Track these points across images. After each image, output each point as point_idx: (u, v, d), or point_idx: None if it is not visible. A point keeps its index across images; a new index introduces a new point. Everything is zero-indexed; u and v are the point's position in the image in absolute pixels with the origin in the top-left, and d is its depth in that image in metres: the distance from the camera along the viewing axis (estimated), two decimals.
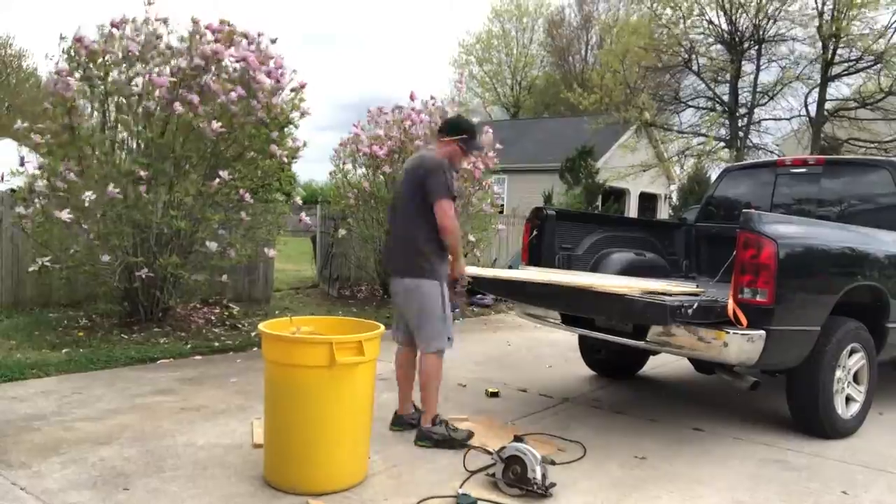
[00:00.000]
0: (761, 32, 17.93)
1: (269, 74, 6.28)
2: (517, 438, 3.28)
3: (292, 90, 6.69)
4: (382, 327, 3.26)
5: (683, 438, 4.11)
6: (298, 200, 7.55)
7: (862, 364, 4.32)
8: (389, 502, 3.00)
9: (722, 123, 19.50)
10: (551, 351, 6.64)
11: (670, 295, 3.73)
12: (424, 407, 3.81)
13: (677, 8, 18.23)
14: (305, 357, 3.01)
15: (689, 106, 20.23)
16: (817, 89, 17.45)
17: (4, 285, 7.01)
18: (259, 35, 6.41)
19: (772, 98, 18.91)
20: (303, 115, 6.85)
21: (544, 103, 41.80)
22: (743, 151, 18.41)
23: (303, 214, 7.07)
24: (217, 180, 5.98)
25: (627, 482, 3.36)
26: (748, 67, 18.74)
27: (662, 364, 6.07)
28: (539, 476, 3.06)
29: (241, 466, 3.32)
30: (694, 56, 18.90)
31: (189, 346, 6.00)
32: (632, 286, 3.81)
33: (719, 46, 18.90)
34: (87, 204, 5.57)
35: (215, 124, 5.82)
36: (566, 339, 6.41)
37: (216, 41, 6.14)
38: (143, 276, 5.95)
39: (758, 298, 3.66)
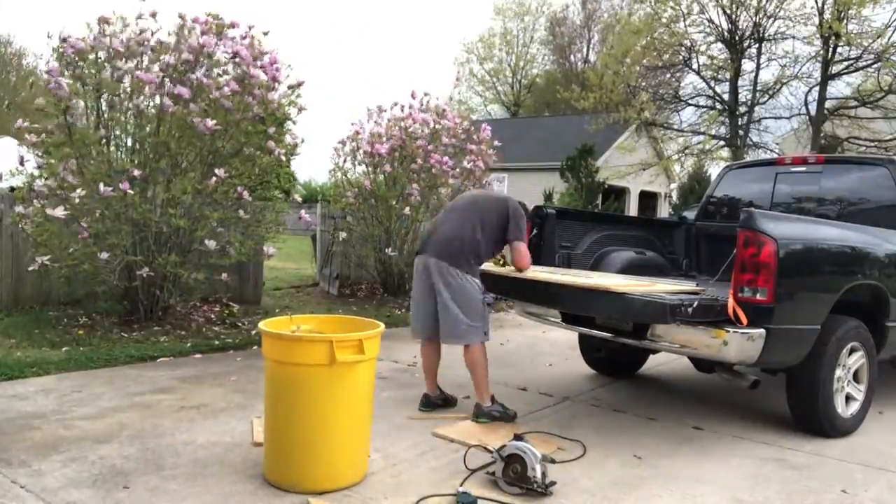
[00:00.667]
0: (761, 31, 17.93)
1: (264, 70, 6.25)
2: (517, 437, 3.28)
3: (289, 87, 6.67)
4: (382, 326, 3.26)
5: (683, 437, 4.11)
6: (297, 198, 7.54)
7: (862, 363, 4.32)
8: (389, 501, 3.00)
9: (722, 122, 19.51)
10: (551, 349, 6.65)
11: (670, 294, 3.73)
12: (479, 390, 4.24)
13: (677, 7, 18.22)
14: (306, 355, 3.01)
15: (689, 104, 20.23)
16: (817, 88, 17.44)
17: (4, 283, 7.00)
18: (250, 28, 6.38)
19: (772, 96, 18.92)
20: (300, 111, 6.84)
21: (545, 102, 41.80)
22: (743, 150, 18.42)
23: (302, 212, 7.06)
24: (214, 179, 5.96)
25: (627, 481, 3.36)
26: (748, 66, 18.76)
27: (662, 363, 6.07)
28: (539, 475, 3.06)
29: (241, 465, 3.32)
30: (694, 54, 18.91)
31: (189, 344, 6.00)
32: (630, 285, 3.81)
33: (719, 45, 18.90)
34: (76, 201, 5.56)
35: (210, 122, 5.80)
36: (566, 338, 6.42)
37: (203, 34, 6.09)
38: (144, 274, 5.95)
39: (758, 297, 3.66)
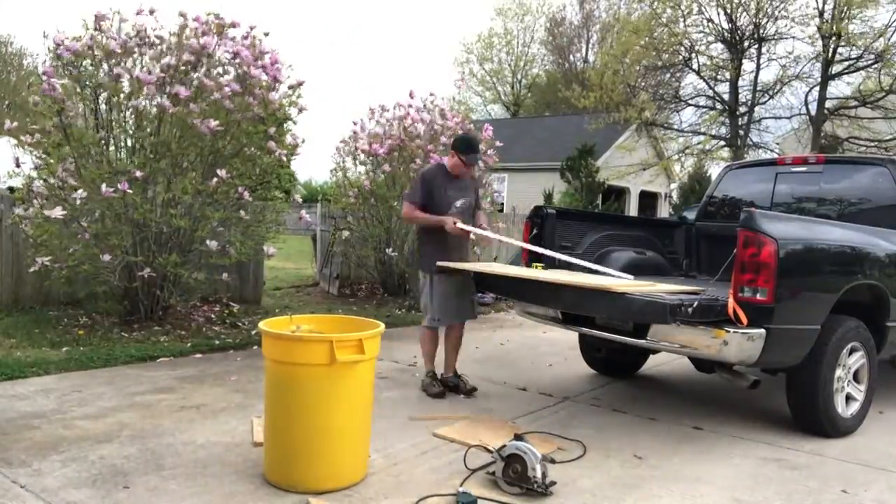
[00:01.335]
0: (761, 31, 17.93)
1: (264, 70, 6.25)
2: (517, 437, 3.28)
3: (290, 87, 6.66)
4: (382, 326, 3.26)
5: (683, 437, 4.11)
6: (298, 198, 7.53)
7: (862, 363, 4.32)
8: (390, 500, 3.00)
9: (722, 122, 19.50)
10: (551, 350, 6.64)
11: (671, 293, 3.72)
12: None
13: (677, 7, 18.22)
14: (306, 355, 3.01)
15: (690, 105, 20.23)
16: (817, 88, 17.45)
17: (4, 284, 7.00)
18: (251, 28, 6.37)
19: (772, 96, 18.92)
20: (301, 111, 6.84)
21: (545, 102, 41.81)
22: (743, 150, 18.41)
23: (303, 212, 7.05)
24: (215, 179, 5.96)
25: (627, 481, 3.36)
26: (748, 66, 18.75)
27: (662, 363, 6.07)
28: (539, 475, 3.07)
29: (241, 465, 3.32)
30: (694, 55, 18.90)
31: (189, 344, 6.00)
32: (630, 285, 3.81)
33: (719, 45, 18.90)
34: (77, 203, 5.55)
35: (212, 122, 5.80)
36: (566, 338, 6.41)
37: (204, 34, 6.08)
38: (145, 275, 5.95)
39: (758, 297, 3.66)
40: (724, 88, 19.35)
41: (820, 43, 16.94)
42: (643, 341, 4.07)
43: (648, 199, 26.84)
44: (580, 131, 22.45)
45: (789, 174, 5.53)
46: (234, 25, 6.28)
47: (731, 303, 3.66)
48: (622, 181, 21.38)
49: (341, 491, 3.05)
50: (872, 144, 16.92)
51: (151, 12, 6.05)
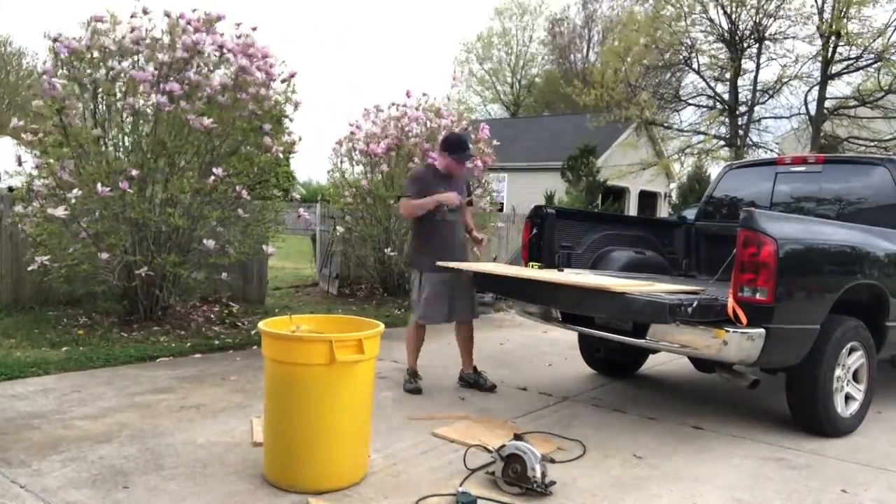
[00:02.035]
0: (761, 30, 17.93)
1: (253, 62, 6.21)
2: (517, 437, 3.28)
3: (283, 81, 6.63)
4: (382, 325, 3.25)
5: (683, 437, 4.11)
6: (297, 196, 7.52)
7: (861, 362, 4.32)
8: (389, 501, 3.00)
9: (722, 122, 19.52)
10: (551, 349, 6.64)
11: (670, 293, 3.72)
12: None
13: (678, 6, 18.23)
14: (305, 355, 3.01)
15: (690, 104, 20.25)
16: (817, 87, 17.45)
17: (4, 283, 7.00)
18: (237, 26, 6.33)
19: (772, 96, 18.94)
20: (296, 107, 6.81)
21: (544, 101, 41.81)
22: (743, 150, 18.42)
23: (301, 209, 7.04)
24: (213, 178, 5.95)
25: (627, 480, 3.36)
26: (748, 65, 18.76)
27: (662, 362, 6.07)
28: (539, 474, 3.06)
29: (240, 465, 3.32)
30: (694, 54, 18.91)
31: (188, 344, 5.99)
32: (630, 284, 3.81)
33: (720, 44, 18.90)
34: (73, 202, 5.55)
35: (206, 120, 5.78)
36: (566, 338, 6.41)
37: (196, 31, 6.06)
38: (143, 274, 5.94)
39: (758, 297, 3.66)
40: (724, 88, 19.37)
41: (819, 42, 16.95)
42: (643, 341, 4.07)
43: (648, 198, 26.85)
44: (580, 131, 22.45)
45: (789, 174, 5.53)
46: (220, 18, 6.24)
47: (730, 302, 3.66)
48: (622, 181, 21.39)
49: (341, 491, 3.05)
50: (872, 144, 16.93)
51: (145, 12, 6.06)
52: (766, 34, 17.97)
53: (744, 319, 3.61)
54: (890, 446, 4.08)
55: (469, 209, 5.12)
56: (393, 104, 8.90)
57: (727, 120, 19.16)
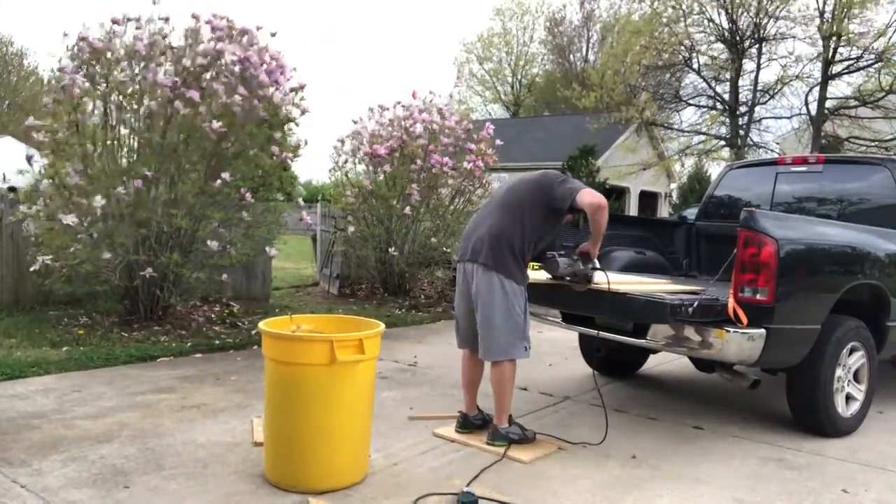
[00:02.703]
0: (762, 31, 17.94)
1: (269, 74, 6.25)
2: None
3: (292, 89, 6.66)
4: (383, 326, 3.25)
5: (683, 437, 4.11)
6: (301, 201, 7.54)
7: (862, 362, 4.32)
8: (390, 501, 3.00)
9: (722, 122, 19.53)
10: (551, 349, 6.64)
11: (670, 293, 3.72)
12: (499, 410, 3.75)
13: (678, 6, 18.23)
14: (306, 355, 3.01)
15: (690, 104, 20.26)
16: (818, 88, 17.46)
17: (5, 283, 7.01)
18: (258, 29, 6.36)
19: (772, 96, 18.95)
20: (303, 112, 6.84)
21: (545, 101, 41.79)
22: (743, 150, 18.43)
23: (304, 213, 7.05)
24: (219, 181, 5.97)
25: (627, 480, 3.36)
26: (749, 66, 18.78)
27: (662, 362, 6.07)
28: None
29: (241, 464, 3.32)
30: (695, 54, 18.92)
31: (189, 344, 6.00)
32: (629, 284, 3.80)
33: (720, 45, 18.91)
34: (98, 212, 5.57)
35: (216, 124, 5.80)
36: (566, 338, 6.40)
37: (218, 39, 6.10)
38: (147, 275, 5.95)
39: (758, 297, 3.66)
40: (724, 88, 19.37)
41: (820, 43, 16.96)
42: (643, 341, 4.07)
43: (648, 199, 26.83)
44: (580, 131, 22.45)
45: (789, 174, 5.53)
46: (245, 32, 6.27)
47: (731, 303, 3.65)
48: (622, 181, 21.38)
49: (341, 490, 3.05)
50: (873, 144, 16.93)
51: (166, 20, 6.08)
52: (767, 35, 17.98)
53: (744, 320, 3.61)
54: (890, 446, 4.07)
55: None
56: (398, 103, 8.88)
57: (727, 120, 19.17)
